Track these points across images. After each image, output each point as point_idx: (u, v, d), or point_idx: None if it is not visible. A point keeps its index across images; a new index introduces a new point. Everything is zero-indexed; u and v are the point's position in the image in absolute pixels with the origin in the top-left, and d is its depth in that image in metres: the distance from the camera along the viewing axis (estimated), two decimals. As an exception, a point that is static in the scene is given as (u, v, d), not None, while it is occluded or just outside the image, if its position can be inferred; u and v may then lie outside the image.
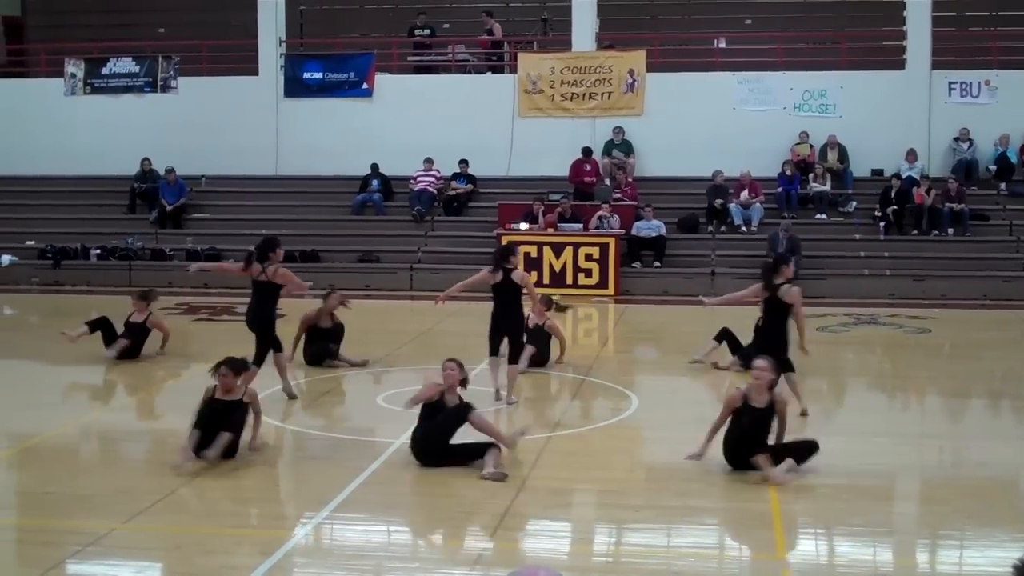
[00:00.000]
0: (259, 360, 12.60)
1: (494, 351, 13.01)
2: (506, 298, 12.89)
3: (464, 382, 10.56)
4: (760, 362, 10.26)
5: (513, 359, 12.97)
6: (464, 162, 26.08)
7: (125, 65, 28.30)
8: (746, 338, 14.18)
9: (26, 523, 9.13)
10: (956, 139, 25.26)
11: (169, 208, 26.12)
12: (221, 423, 10.20)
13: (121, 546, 8.38)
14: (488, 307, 13.08)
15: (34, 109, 28.14)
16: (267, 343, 12.78)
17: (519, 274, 13.01)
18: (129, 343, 15.34)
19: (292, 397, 12.98)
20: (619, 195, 24.67)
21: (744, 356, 14.57)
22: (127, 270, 24.70)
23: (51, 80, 28.52)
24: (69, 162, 27.50)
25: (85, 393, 14.53)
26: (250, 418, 10.54)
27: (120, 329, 15.58)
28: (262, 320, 12.83)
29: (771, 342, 12.16)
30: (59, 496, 9.55)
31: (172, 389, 14.31)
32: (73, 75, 28.37)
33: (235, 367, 10.50)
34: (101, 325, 15.62)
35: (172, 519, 9.00)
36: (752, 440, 9.93)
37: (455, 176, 26.16)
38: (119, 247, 25.17)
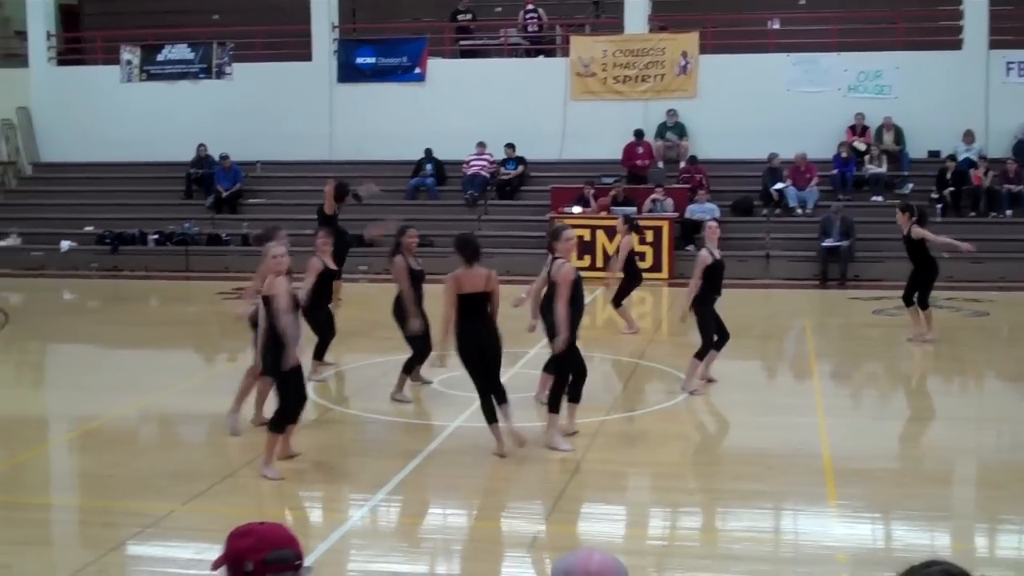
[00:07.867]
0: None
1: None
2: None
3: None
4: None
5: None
6: (511, 146, 26.00)
7: (180, 52, 28.54)
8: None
9: (87, 504, 9.29)
10: (1030, 118, 24.83)
11: (224, 194, 26.35)
12: None
13: (180, 527, 8.50)
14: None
15: (91, 96, 28.46)
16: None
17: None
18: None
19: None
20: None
21: None
22: (184, 255, 24.98)
23: (107, 67, 28.83)
24: (126, 149, 27.78)
25: (145, 376, 14.67)
26: None
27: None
28: None
29: None
30: (119, 478, 9.70)
31: (231, 372, 14.43)
32: (129, 62, 28.64)
33: None
34: None
35: (230, 501, 9.11)
36: None
37: (505, 161, 26.15)
38: (176, 232, 25.45)
